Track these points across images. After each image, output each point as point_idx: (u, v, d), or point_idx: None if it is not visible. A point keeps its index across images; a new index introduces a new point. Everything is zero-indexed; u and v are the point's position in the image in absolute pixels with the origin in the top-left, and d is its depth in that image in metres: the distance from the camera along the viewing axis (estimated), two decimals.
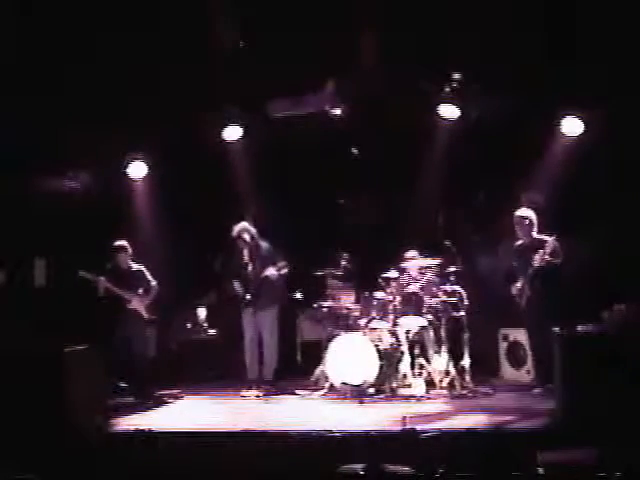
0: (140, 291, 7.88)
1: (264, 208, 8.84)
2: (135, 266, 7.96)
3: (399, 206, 8.96)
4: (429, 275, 8.03)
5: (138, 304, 7.85)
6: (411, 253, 8.04)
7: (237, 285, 8.02)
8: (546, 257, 7.05)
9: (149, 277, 7.98)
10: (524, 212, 7.43)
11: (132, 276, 7.90)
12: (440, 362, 7.52)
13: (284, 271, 8.04)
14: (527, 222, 7.36)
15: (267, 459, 5.34)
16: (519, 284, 7.34)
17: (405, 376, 7.40)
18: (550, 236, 7.08)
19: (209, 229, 8.92)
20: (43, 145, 7.92)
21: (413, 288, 7.88)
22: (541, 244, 7.15)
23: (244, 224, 8.01)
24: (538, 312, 7.17)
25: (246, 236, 7.94)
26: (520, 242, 7.44)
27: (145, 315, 7.93)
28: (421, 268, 8.02)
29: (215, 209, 8.97)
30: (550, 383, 6.86)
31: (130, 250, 7.94)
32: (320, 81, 8.14)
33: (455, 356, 7.55)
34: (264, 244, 8.07)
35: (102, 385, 6.98)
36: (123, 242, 7.93)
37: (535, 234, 7.34)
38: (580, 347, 5.80)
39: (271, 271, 7.94)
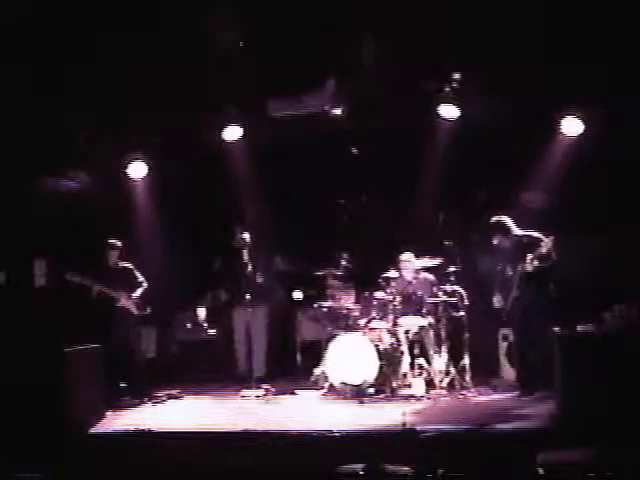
0: (129, 289, 7.88)
1: (264, 208, 8.84)
2: (123, 264, 7.99)
3: (399, 206, 8.96)
4: (425, 275, 8.01)
5: (126, 301, 7.84)
6: (406, 256, 7.98)
7: (224, 295, 8.11)
8: (535, 262, 6.89)
9: (137, 274, 8.00)
10: (496, 218, 7.20)
11: (120, 274, 7.92)
12: (440, 362, 7.53)
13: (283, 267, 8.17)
14: (500, 227, 7.14)
15: (267, 459, 5.34)
16: (496, 298, 7.24)
17: (405, 376, 7.40)
18: (545, 236, 6.85)
19: (209, 229, 8.93)
20: (43, 145, 7.92)
21: (410, 290, 7.88)
22: (533, 242, 6.91)
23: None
24: (523, 314, 7.09)
25: (246, 236, 7.98)
26: (497, 242, 7.22)
27: (135, 312, 7.90)
28: (417, 270, 7.99)
29: (215, 209, 8.97)
30: (530, 387, 6.88)
31: (121, 249, 7.95)
32: (320, 81, 8.14)
33: (455, 356, 7.56)
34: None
35: (102, 385, 7.00)
36: (114, 240, 7.95)
37: (519, 232, 7.11)
38: (580, 347, 5.80)
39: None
